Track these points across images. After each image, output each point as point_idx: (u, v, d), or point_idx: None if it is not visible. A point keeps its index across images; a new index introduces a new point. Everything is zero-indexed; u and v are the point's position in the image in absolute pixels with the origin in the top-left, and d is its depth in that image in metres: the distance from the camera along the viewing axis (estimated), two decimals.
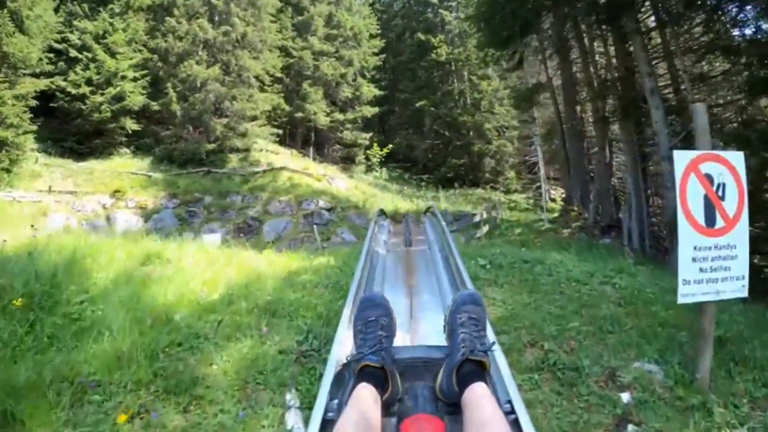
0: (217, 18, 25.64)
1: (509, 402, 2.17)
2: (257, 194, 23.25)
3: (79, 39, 22.71)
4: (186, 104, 24.01)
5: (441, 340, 2.31)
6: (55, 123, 23.01)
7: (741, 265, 4.45)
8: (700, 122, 4.47)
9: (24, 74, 19.86)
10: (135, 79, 23.79)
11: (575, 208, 20.66)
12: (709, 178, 4.33)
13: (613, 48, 17.23)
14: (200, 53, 24.79)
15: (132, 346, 4.26)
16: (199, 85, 24.28)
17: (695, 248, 4.34)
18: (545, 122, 30.12)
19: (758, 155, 10.07)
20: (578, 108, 21.88)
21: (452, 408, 1.97)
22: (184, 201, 21.99)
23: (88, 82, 22.43)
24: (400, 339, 2.99)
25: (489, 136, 33.10)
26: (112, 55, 23.18)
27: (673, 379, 4.37)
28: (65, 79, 22.06)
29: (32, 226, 10.26)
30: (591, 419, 3.97)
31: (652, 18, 15.42)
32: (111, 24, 23.67)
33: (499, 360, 2.55)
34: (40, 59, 20.35)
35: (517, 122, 33.90)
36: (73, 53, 22.45)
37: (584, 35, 19.11)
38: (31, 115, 19.72)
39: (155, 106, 24.10)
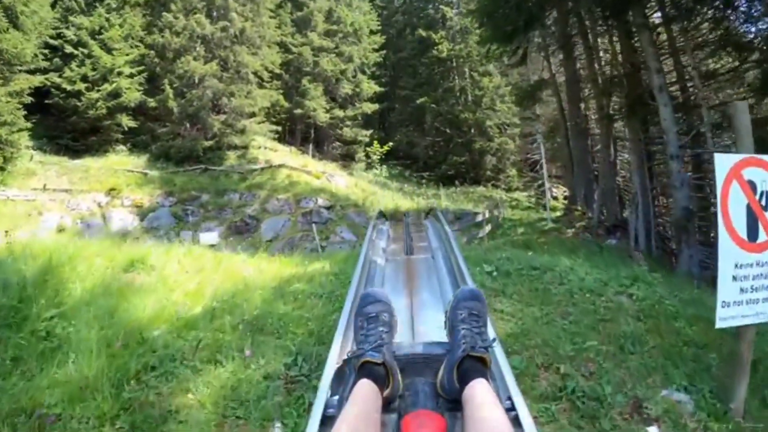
0: (215, 13, 25.25)
1: (510, 399, 2.20)
2: (255, 192, 22.90)
3: (75, 35, 22.36)
4: (183, 101, 23.65)
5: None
6: (50, 120, 22.72)
7: None
8: (743, 122, 3.97)
9: (20, 71, 19.55)
10: (131, 76, 23.44)
11: (579, 208, 20.23)
12: (752, 185, 3.84)
13: (618, 44, 16.79)
14: (198, 49, 24.35)
15: (99, 372, 3.82)
16: (196, 81, 23.91)
17: (736, 266, 3.87)
18: (547, 119, 29.79)
19: None
20: (582, 105, 21.47)
21: (453, 404, 1.95)
22: (181, 199, 21.62)
23: (84, 78, 22.08)
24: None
25: (490, 134, 32.75)
26: (108, 51, 22.84)
27: (705, 410, 3.92)
28: (60, 76, 21.72)
29: (6, 232, 9.77)
30: None
31: (657, 14, 15.04)
32: (107, 19, 23.32)
33: (500, 356, 2.56)
34: (35, 55, 20.06)
35: (518, 119, 33.54)
36: (68, 49, 22.10)
37: (588, 31, 18.71)
38: (25, 113, 19.45)
39: (152, 102, 23.73)
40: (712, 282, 10.54)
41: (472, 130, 32.89)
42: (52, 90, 21.64)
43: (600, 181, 19.36)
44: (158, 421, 3.55)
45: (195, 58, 23.92)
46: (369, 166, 33.47)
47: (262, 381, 4.13)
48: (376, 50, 34.46)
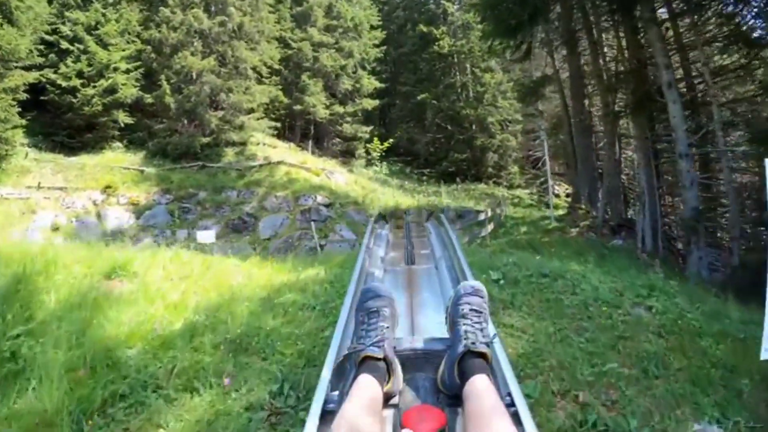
0: (213, 8, 24.84)
1: (510, 395, 2.13)
2: (253, 189, 22.53)
3: (70, 30, 22.02)
4: (180, 96, 23.24)
5: None
6: (46, 117, 22.33)
7: None
8: None
9: (15, 67, 19.27)
10: (128, 71, 23.06)
11: (582, 206, 19.86)
12: None
13: (624, 40, 16.41)
14: (195, 44, 23.97)
15: (59, 403, 3.41)
16: (194, 76, 23.52)
17: None
18: (550, 116, 29.42)
19: None
20: (586, 102, 21.10)
21: (453, 400, 1.97)
22: (178, 197, 21.26)
23: (79, 74, 21.71)
24: None
25: (492, 130, 32.50)
26: (105, 46, 22.50)
27: None
28: (56, 72, 21.37)
29: None
30: None
31: (662, 9, 14.64)
32: (103, 15, 22.99)
33: (500, 352, 2.47)
34: (30, 51, 19.69)
35: (520, 116, 33.29)
36: (64, 45, 21.74)
37: (593, 26, 18.34)
38: (20, 109, 19.20)
39: (148, 98, 23.31)
40: (723, 285, 10.25)
41: (474, 127, 32.62)
42: (48, 86, 21.26)
43: (605, 179, 19.00)
44: None
45: (192, 54, 23.51)
46: (369, 163, 33.10)
47: (243, 413, 3.69)
48: (377, 46, 34.04)
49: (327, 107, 30.45)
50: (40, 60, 20.60)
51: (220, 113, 24.44)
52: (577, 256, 9.24)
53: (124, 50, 23.18)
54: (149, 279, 6.13)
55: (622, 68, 16.81)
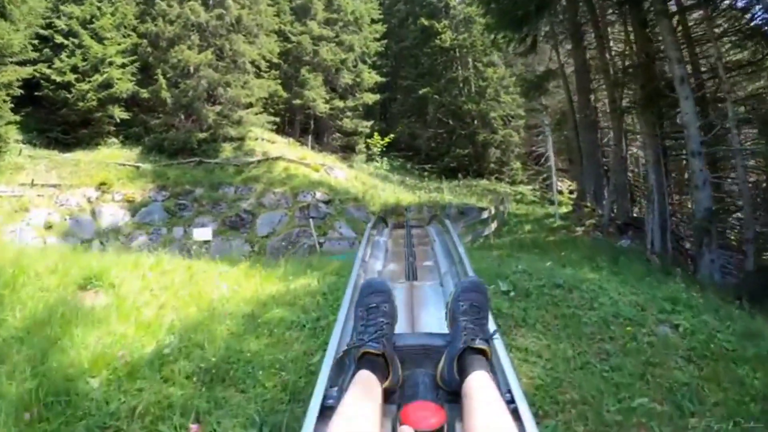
0: (210, 1, 24.45)
1: (509, 391, 2.12)
2: (251, 186, 22.14)
3: (65, 24, 21.71)
4: (177, 91, 22.86)
5: None
6: (41, 113, 22.06)
7: None
8: None
9: (10, 62, 19.05)
10: (123, 66, 22.72)
11: (588, 204, 19.42)
12: None
13: (632, 33, 15.96)
14: (192, 38, 23.55)
15: None
16: (191, 70, 23.12)
17: None
18: (553, 111, 29.01)
19: None
20: (592, 97, 20.67)
21: (452, 396, 1.95)
22: (174, 193, 20.90)
23: (74, 69, 21.42)
24: None
25: (494, 126, 32.16)
26: (100, 40, 22.19)
27: None
28: (50, 67, 21.04)
29: None
30: None
31: (671, 2, 14.19)
32: (99, 8, 22.67)
33: (500, 349, 2.43)
34: (24, 46, 19.52)
35: (523, 111, 32.98)
36: (58, 39, 21.44)
37: (599, 19, 17.89)
38: (12, 105, 19.00)
39: (144, 93, 22.98)
40: (736, 289, 9.82)
41: (476, 122, 32.25)
42: (42, 82, 20.96)
43: (612, 177, 18.58)
44: None
45: (189, 47, 23.10)
46: (370, 159, 32.66)
47: None
48: (378, 39, 33.57)
49: (327, 102, 30.03)
50: (35, 55, 20.39)
51: (218, 108, 24.04)
52: (588, 261, 8.71)
53: (119, 44, 22.85)
54: (126, 290, 5.66)
55: (629, 63, 16.36)
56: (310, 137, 30.96)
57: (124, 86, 22.29)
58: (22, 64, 19.61)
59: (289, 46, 29.41)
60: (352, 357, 2.09)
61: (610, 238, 15.43)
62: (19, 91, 19.27)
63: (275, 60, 27.75)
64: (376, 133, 32.24)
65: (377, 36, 33.61)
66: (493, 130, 31.97)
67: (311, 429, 1.93)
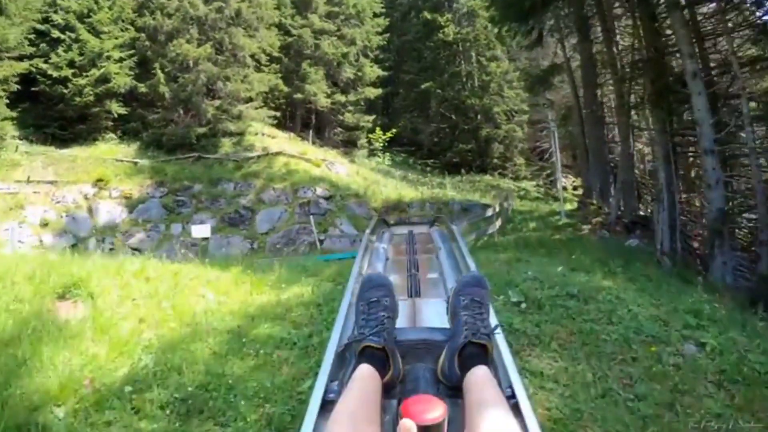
0: None
1: (510, 386, 2.04)
2: (250, 181, 21.89)
3: (62, 19, 21.43)
4: (176, 85, 22.53)
5: None
6: (38, 108, 21.82)
7: None
8: None
9: (8, 57, 18.97)
10: (121, 60, 22.44)
11: (594, 202, 19.06)
12: None
13: (640, 27, 15.55)
14: (191, 31, 23.16)
15: None
16: (190, 65, 22.77)
17: None
18: (558, 106, 28.63)
19: None
20: (598, 92, 20.27)
21: (453, 391, 1.94)
22: (172, 189, 20.66)
23: (71, 64, 21.14)
24: None
25: (498, 120, 31.77)
26: (97, 34, 21.91)
27: None
28: (46, 62, 20.77)
29: None
30: None
31: None
32: (96, 2, 22.37)
33: (502, 343, 2.36)
34: (20, 42, 19.36)
35: (526, 106, 32.54)
36: (55, 34, 21.16)
37: (606, 12, 17.50)
38: (9, 101, 18.95)
39: (142, 88, 22.62)
40: (750, 293, 9.47)
41: (479, 117, 31.90)
42: (38, 77, 20.73)
43: (619, 174, 18.21)
44: None
45: (188, 41, 22.76)
46: (371, 153, 32.25)
47: None
48: (380, 33, 33.08)
49: (328, 96, 29.66)
50: (31, 50, 20.22)
51: (217, 102, 23.75)
52: (600, 265, 8.29)
53: (117, 38, 22.59)
54: (105, 301, 5.33)
55: (637, 57, 15.97)
56: (311, 132, 30.59)
57: (122, 81, 22.01)
58: (19, 59, 19.43)
59: (290, 39, 28.99)
60: (352, 351, 2.08)
61: (617, 236, 15.11)
62: (15, 87, 19.18)
63: (276, 54, 27.37)
64: (378, 128, 31.87)
65: (379, 30, 33.12)
66: (496, 125, 31.63)
67: (312, 423, 1.89)
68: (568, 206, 21.01)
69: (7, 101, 18.88)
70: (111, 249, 17.73)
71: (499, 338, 2.29)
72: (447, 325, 2.29)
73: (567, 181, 28.95)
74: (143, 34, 23.22)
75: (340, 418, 1.61)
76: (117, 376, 4.09)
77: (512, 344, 4.24)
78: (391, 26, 34.49)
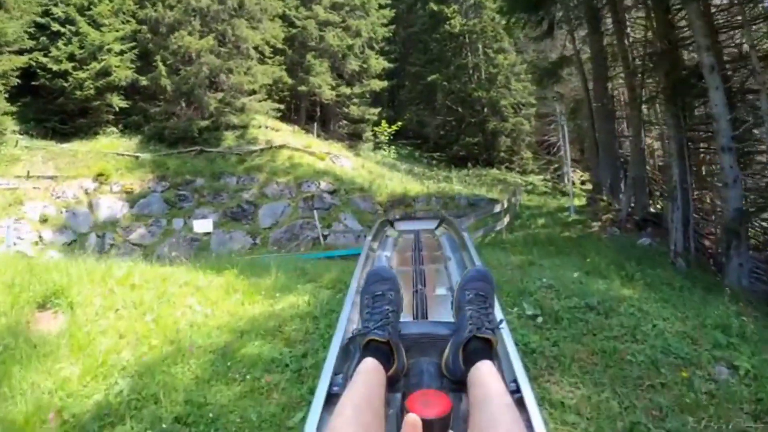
0: None
1: (515, 381, 2.07)
2: (254, 175, 21.60)
3: (62, 12, 21.13)
4: (177, 78, 22.20)
5: None
6: (39, 102, 21.60)
7: None
8: None
9: (8, 51, 18.76)
10: (122, 53, 22.14)
11: (604, 198, 18.65)
12: None
13: (654, 19, 15.13)
14: (193, 23, 22.80)
15: None
16: (192, 57, 22.43)
17: None
18: (567, 99, 28.23)
19: None
20: (609, 85, 19.85)
21: (457, 385, 1.95)
22: (174, 184, 20.39)
23: (71, 57, 20.87)
24: None
25: (505, 114, 31.39)
26: (97, 27, 21.63)
27: None
28: (46, 55, 20.53)
29: None
30: None
31: None
32: None
33: (506, 338, 2.32)
34: (20, 35, 19.17)
35: (534, 99, 32.18)
36: (55, 27, 20.88)
37: (617, 4, 17.08)
38: (9, 95, 18.80)
39: (144, 81, 22.37)
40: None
41: (486, 110, 31.53)
42: (38, 71, 20.48)
43: (630, 169, 17.80)
44: None
45: (190, 33, 22.40)
46: (377, 147, 32.04)
47: None
48: (385, 25, 32.65)
49: (333, 88, 29.31)
50: (31, 43, 19.99)
51: (220, 95, 23.38)
52: (616, 269, 7.87)
53: (117, 31, 22.29)
54: (86, 312, 4.96)
55: (650, 50, 15.56)
56: (315, 125, 30.20)
57: (123, 74, 21.73)
58: (19, 53, 19.25)
59: (294, 31, 28.60)
60: (357, 344, 2.08)
61: (628, 234, 14.74)
62: (15, 81, 18.98)
63: (280, 45, 27.00)
64: (383, 121, 31.59)
65: (385, 21, 32.69)
66: (503, 118, 31.24)
67: (317, 416, 1.90)
68: (577, 202, 20.63)
69: (7, 96, 18.70)
70: (111, 245, 17.53)
71: (504, 332, 2.30)
72: (451, 319, 2.28)
73: (575, 176, 28.59)
74: (144, 27, 22.95)
75: (345, 411, 1.61)
76: (88, 405, 3.72)
77: (529, 368, 3.86)
78: (396, 18, 34.15)
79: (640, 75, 16.06)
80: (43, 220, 17.21)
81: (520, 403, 1.89)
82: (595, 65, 19.59)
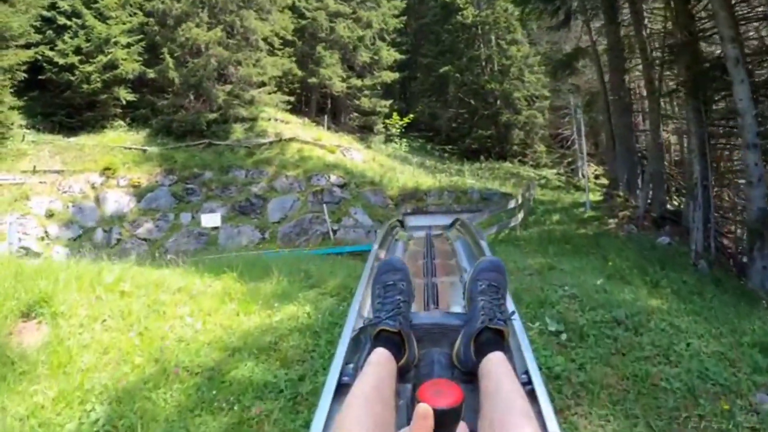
0: None
1: (526, 372, 2.07)
2: (263, 169, 21.31)
3: (69, 5, 20.91)
4: (185, 71, 21.88)
5: None
6: (46, 96, 21.45)
7: None
8: None
9: (14, 46, 18.52)
10: (129, 45, 21.88)
11: (620, 194, 18.20)
12: None
13: (674, 9, 14.67)
14: (201, 15, 22.48)
15: None
16: (201, 49, 22.14)
17: None
18: (582, 92, 27.76)
19: None
20: (626, 78, 19.37)
21: (468, 376, 1.94)
22: (182, 177, 20.13)
23: (77, 50, 20.68)
24: None
25: (518, 106, 30.89)
26: (104, 20, 21.39)
27: None
28: (52, 49, 20.34)
29: None
30: None
31: None
32: None
33: (518, 329, 2.32)
34: (26, 29, 18.90)
35: (547, 91, 31.75)
36: (61, 20, 20.69)
37: None
38: (15, 90, 18.64)
39: (151, 73, 22.11)
40: None
41: (498, 102, 31.07)
42: (45, 64, 20.32)
43: (648, 164, 17.35)
44: None
45: (198, 25, 22.06)
46: (388, 139, 31.66)
47: None
48: (397, 16, 32.23)
49: (344, 80, 29.00)
50: (38, 37, 19.82)
51: (228, 87, 23.06)
52: (640, 273, 7.48)
53: (124, 23, 22.05)
54: (70, 323, 4.64)
55: (670, 41, 15.11)
56: (326, 117, 29.89)
57: (130, 67, 21.48)
58: (25, 47, 19.05)
59: (304, 22, 28.28)
60: (368, 335, 2.07)
61: (646, 232, 14.32)
62: (22, 75, 18.80)
63: (289, 37, 26.70)
64: (395, 113, 31.25)
65: (396, 12, 32.27)
66: (516, 111, 30.75)
67: (327, 406, 1.88)
68: (592, 197, 20.20)
69: (14, 90, 18.52)
70: (118, 239, 17.36)
71: (516, 324, 2.28)
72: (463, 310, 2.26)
73: (589, 170, 28.16)
74: (152, 19, 22.67)
75: (355, 402, 1.59)
76: None
77: (554, 398, 3.49)
78: (408, 9, 33.80)
79: (658, 67, 15.63)
80: (50, 215, 17.03)
81: (532, 395, 1.88)
82: (611, 57, 19.07)
